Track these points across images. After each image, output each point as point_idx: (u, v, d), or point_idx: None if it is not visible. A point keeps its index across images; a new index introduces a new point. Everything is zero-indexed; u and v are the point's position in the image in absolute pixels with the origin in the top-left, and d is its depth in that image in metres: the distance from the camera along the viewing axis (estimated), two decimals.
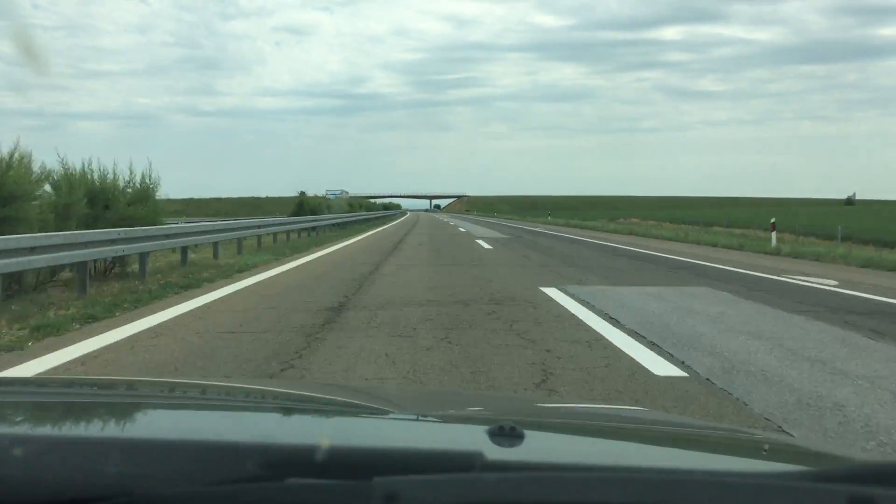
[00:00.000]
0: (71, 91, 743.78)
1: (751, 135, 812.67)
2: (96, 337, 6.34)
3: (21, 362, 5.31)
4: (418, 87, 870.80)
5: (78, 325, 6.98)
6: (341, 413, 1.42)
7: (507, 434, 0.93)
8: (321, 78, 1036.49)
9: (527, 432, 0.96)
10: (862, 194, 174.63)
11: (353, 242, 23.38)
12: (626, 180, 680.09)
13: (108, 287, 10.05)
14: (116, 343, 6.10)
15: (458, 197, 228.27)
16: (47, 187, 10.97)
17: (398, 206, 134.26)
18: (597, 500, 0.73)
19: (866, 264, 15.78)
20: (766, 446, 1.37)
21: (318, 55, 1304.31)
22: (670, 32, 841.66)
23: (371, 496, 0.71)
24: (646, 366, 5.26)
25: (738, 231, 38.93)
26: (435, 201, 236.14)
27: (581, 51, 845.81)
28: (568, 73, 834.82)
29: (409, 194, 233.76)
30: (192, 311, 7.93)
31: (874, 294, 10.20)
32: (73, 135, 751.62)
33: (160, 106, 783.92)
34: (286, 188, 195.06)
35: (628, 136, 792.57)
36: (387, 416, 1.37)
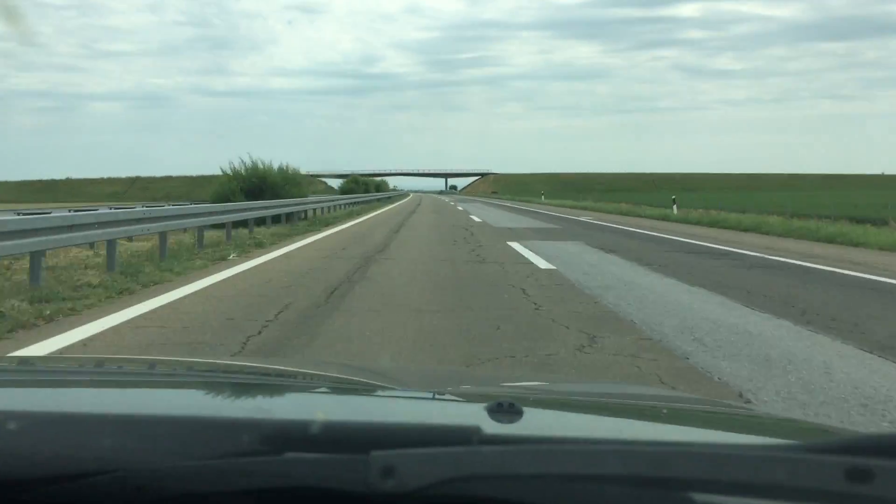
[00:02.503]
0: (84, 72, 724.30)
1: (770, 114, 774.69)
2: None
3: None
4: (431, 67, 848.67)
5: None
6: (339, 389, 1.44)
7: (505, 410, 0.94)
8: (333, 57, 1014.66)
9: (525, 408, 0.98)
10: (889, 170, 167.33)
11: None
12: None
13: None
14: None
15: (482, 175, 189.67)
16: None
17: (383, 186, 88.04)
18: (594, 471, 0.75)
19: None
20: (766, 422, 1.42)
21: (331, 34, 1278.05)
22: (687, 9, 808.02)
23: (368, 469, 0.72)
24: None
25: None
26: (451, 181, 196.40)
27: (596, 28, 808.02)
28: (583, 52, 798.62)
29: (421, 172, 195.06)
30: None
31: None
32: (87, 116, 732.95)
33: (174, 86, 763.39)
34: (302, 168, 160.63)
35: (652, 115, 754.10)
36: (385, 393, 1.38)
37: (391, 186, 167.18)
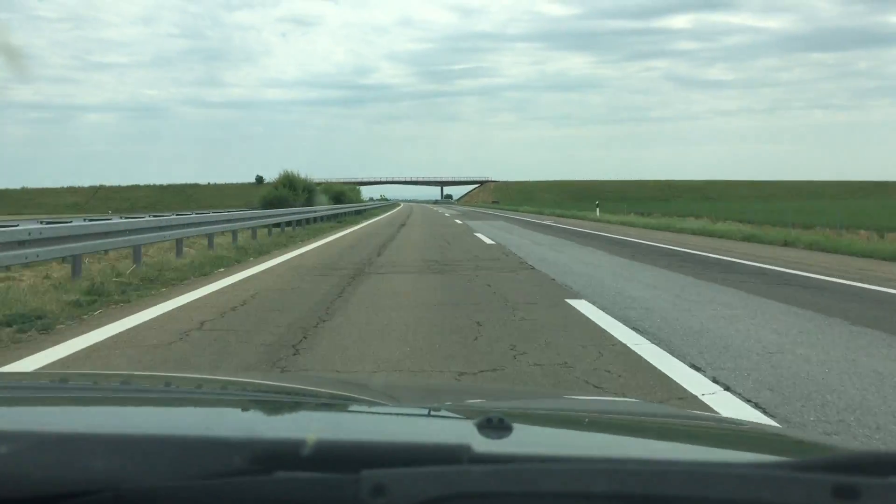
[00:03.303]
0: (78, 83, 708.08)
1: (762, 124, 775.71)
2: None
3: None
4: (425, 78, 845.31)
5: None
6: (329, 406, 1.45)
7: (494, 426, 0.95)
8: (327, 69, 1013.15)
9: (515, 424, 0.99)
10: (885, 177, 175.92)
11: None
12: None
13: None
14: None
15: (481, 183, 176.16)
16: None
17: (350, 195, 54.05)
18: (581, 489, 0.75)
19: None
20: (754, 438, 1.43)
21: (324, 46, 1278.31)
22: (679, 21, 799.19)
23: (358, 489, 0.73)
24: None
25: None
26: (448, 189, 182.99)
27: (589, 40, 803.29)
28: (576, 63, 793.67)
29: (414, 180, 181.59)
30: None
31: None
32: (82, 127, 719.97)
33: (167, 98, 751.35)
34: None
35: (645, 124, 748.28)
36: (375, 409, 1.39)
37: (376, 196, 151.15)
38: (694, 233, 24.09)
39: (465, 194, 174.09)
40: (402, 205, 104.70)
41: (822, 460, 0.85)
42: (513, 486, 0.74)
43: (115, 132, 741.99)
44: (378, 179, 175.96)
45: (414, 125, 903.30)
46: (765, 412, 3.97)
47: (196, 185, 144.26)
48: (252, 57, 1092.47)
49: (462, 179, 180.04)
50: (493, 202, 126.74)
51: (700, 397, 4.25)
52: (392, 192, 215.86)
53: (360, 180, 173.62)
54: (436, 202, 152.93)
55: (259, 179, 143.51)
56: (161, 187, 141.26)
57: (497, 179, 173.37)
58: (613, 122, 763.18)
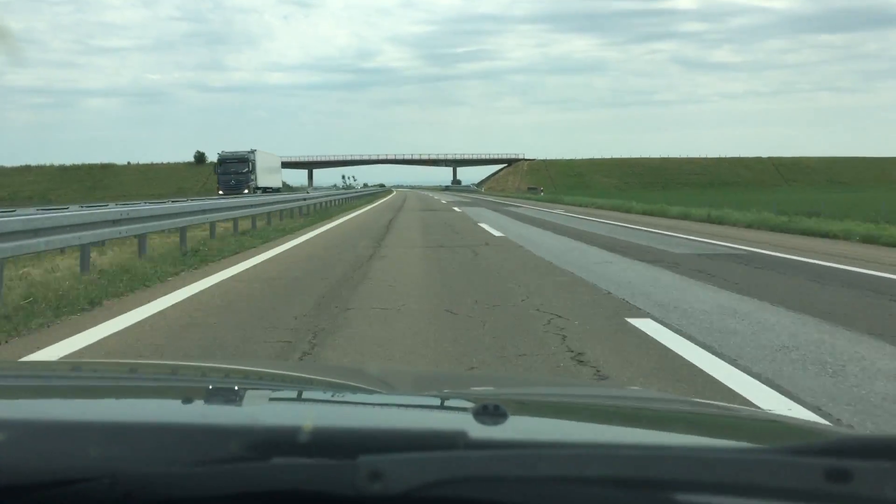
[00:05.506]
0: (80, 67, 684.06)
1: (769, 107, 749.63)
2: None
3: None
4: (428, 61, 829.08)
5: None
6: (326, 394, 1.46)
7: (490, 413, 0.96)
8: (330, 52, 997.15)
9: (511, 411, 1.00)
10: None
11: None
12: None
13: None
14: None
15: (509, 162, 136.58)
16: None
17: None
18: (577, 474, 0.77)
19: None
20: (749, 424, 1.43)
21: (326, 29, 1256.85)
22: (685, 1, 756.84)
23: (355, 475, 0.74)
24: None
25: None
26: (461, 171, 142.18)
27: (593, 21, 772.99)
28: (580, 45, 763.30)
29: (419, 159, 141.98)
30: None
31: None
32: (84, 112, 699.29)
33: (170, 82, 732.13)
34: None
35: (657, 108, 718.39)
36: (372, 397, 1.39)
37: (345, 182, 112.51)
38: None
39: (489, 177, 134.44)
40: (394, 192, 69.52)
41: (815, 445, 0.84)
42: (508, 472, 0.75)
43: (118, 117, 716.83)
44: (372, 158, 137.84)
45: (418, 109, 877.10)
46: None
47: (110, 167, 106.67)
48: (254, 40, 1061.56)
49: (483, 157, 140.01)
50: (529, 189, 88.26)
51: None
52: (392, 175, 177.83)
53: (355, 158, 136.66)
54: (445, 188, 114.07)
55: (199, 158, 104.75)
56: (62, 169, 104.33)
57: (532, 158, 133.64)
58: (619, 105, 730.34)
